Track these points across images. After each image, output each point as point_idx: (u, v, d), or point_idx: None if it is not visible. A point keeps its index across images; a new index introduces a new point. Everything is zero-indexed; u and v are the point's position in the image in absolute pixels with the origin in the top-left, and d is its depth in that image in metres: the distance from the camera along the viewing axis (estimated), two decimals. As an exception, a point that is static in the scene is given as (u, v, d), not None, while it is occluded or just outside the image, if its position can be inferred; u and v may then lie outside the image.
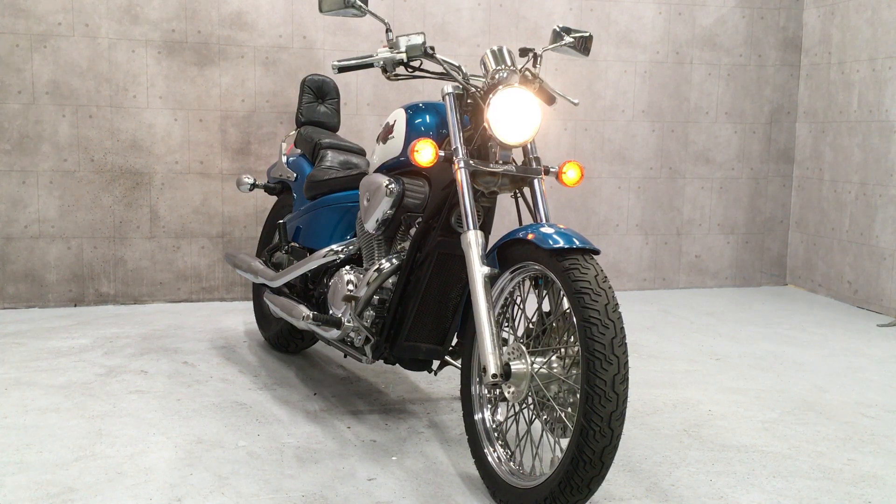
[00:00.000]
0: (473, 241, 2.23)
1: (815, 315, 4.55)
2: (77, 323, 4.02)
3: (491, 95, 2.32)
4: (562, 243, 2.03)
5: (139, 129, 4.39)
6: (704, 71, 5.13)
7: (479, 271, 2.18)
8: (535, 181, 2.44)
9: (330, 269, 2.99)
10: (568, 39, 2.79)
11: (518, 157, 2.51)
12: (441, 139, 2.53)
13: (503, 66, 2.41)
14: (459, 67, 2.55)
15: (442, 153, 2.34)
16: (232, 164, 4.52)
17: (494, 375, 2.03)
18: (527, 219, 2.53)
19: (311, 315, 2.69)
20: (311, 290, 3.11)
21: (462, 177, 2.31)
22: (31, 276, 4.35)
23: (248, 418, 2.75)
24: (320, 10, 2.59)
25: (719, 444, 2.64)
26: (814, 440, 2.69)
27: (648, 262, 5.20)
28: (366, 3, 2.61)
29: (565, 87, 4.91)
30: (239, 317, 4.15)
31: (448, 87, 2.46)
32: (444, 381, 3.18)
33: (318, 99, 3.65)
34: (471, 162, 2.34)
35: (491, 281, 2.23)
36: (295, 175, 3.43)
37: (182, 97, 4.42)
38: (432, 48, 2.53)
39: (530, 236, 2.13)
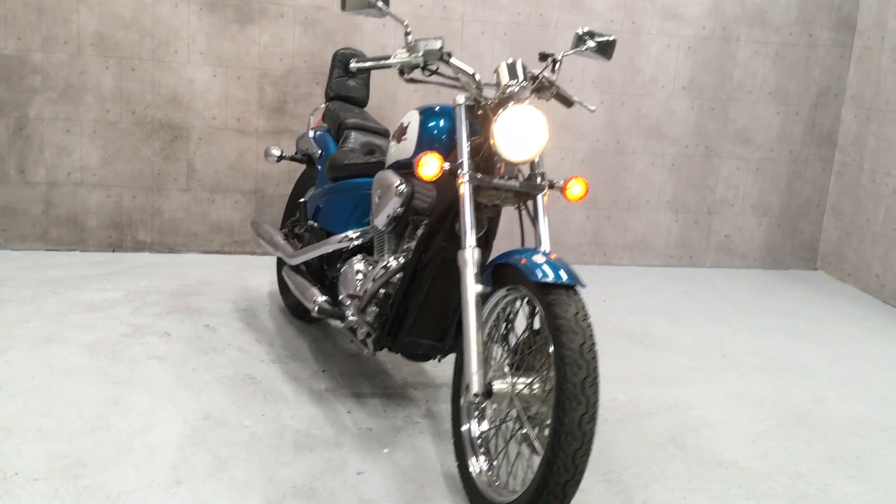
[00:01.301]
0: (469, 259, 2.30)
1: (838, 308, 4.53)
2: (112, 272, 4.22)
3: (499, 111, 2.36)
4: (549, 278, 2.09)
5: (179, 83, 4.49)
6: (751, 49, 5.00)
7: (471, 289, 2.26)
8: (539, 197, 2.48)
9: (344, 254, 3.09)
10: (590, 44, 2.79)
11: (526, 168, 2.56)
12: (451, 146, 2.57)
13: (514, 82, 2.43)
14: (473, 76, 2.57)
15: (447, 165, 2.40)
16: (267, 123, 4.61)
17: (476, 395, 2.13)
18: (529, 233, 2.57)
19: (317, 306, 2.81)
20: (327, 271, 3.22)
21: (465, 192, 2.36)
22: (74, 221, 4.55)
23: (256, 394, 2.91)
24: (342, 9, 2.63)
25: (703, 457, 2.72)
26: (798, 459, 2.75)
27: (676, 240, 5.20)
28: (387, 4, 2.64)
29: (605, 63, 4.84)
30: (265, 275, 4.30)
31: (460, 97, 2.49)
32: (449, 365, 3.29)
33: (349, 73, 3.69)
34: (476, 176, 2.39)
35: (484, 298, 2.31)
36: (319, 151, 3.51)
37: (222, 54, 4.49)
38: (449, 54, 2.56)
39: (522, 262, 2.19)
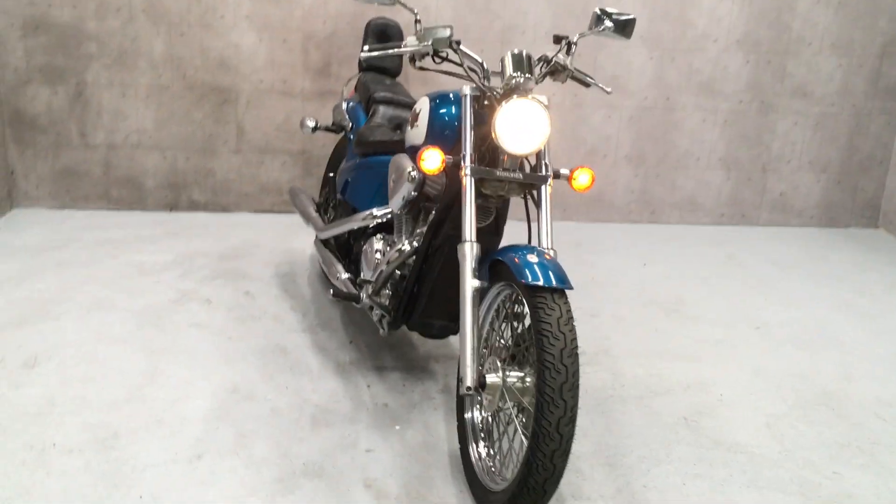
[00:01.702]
0: (468, 254, 2.35)
1: (892, 273, 4.40)
2: (167, 233, 4.43)
3: (502, 103, 2.37)
4: (538, 281, 2.12)
5: (226, 48, 4.59)
6: (812, -2, 4.78)
7: (469, 284, 2.32)
8: (543, 187, 2.49)
9: (368, 231, 3.18)
10: (608, 24, 2.75)
11: (533, 157, 2.57)
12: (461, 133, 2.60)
13: (518, 73, 2.43)
14: (482, 64, 2.58)
15: (450, 158, 2.43)
16: (313, 84, 4.68)
17: (468, 388, 2.21)
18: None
19: (332, 289, 2.92)
20: (353, 245, 3.32)
21: (467, 185, 2.40)
22: (132, 182, 4.76)
23: (283, 366, 3.06)
24: (353, -1, 2.66)
25: (713, 439, 2.75)
26: (810, 445, 2.75)
27: (728, 198, 5.09)
28: (397, -6, 2.65)
29: (654, 16, 4.71)
30: (309, 236, 4.44)
31: (466, 88, 2.51)
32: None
33: (381, 43, 3.71)
34: (478, 168, 2.42)
35: (482, 291, 2.36)
36: (350, 124, 3.57)
37: (267, 18, 4.56)
38: (458, 42, 2.58)
39: (515, 260, 2.23)
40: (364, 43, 3.72)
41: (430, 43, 2.58)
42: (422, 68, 2.65)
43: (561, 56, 2.67)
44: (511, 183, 2.48)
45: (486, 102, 2.52)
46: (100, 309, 3.45)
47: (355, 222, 3.14)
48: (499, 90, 2.48)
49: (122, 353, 3.10)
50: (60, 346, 3.11)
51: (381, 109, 3.42)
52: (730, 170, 5.04)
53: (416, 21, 2.65)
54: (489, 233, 2.63)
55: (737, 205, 5.11)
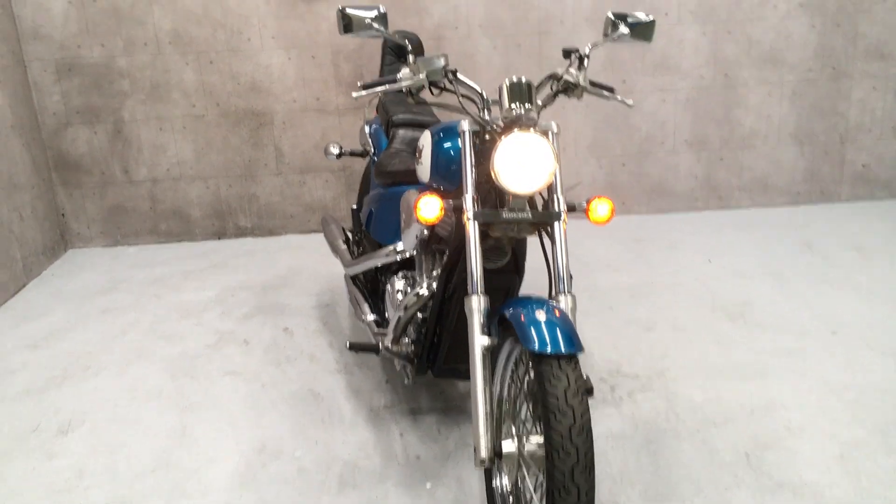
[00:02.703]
0: (476, 308, 2.15)
1: None
2: (212, 265, 4.38)
3: (501, 139, 2.16)
4: (547, 348, 1.90)
5: (256, 70, 4.48)
6: (883, -52, 4.30)
7: (478, 342, 2.12)
8: (556, 224, 2.26)
9: (393, 266, 3.01)
10: (622, 31, 2.48)
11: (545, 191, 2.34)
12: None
13: (517, 105, 2.20)
14: (481, 94, 2.36)
15: (449, 203, 2.23)
16: (347, 99, 4.53)
17: (482, 461, 2.02)
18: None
19: (348, 342, 2.75)
20: (381, 281, 3.15)
21: (470, 231, 2.20)
22: (179, 214, 4.73)
23: (315, 416, 2.94)
24: (341, 33, 2.48)
25: (776, 480, 2.47)
26: (891, 481, 2.44)
27: (804, 175, 4.69)
28: (386, 27, 2.46)
29: (703, -13, 4.34)
30: (355, 258, 4.32)
31: (465, 123, 2.30)
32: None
33: (401, 59, 3.51)
34: (481, 212, 2.21)
35: (494, 350, 2.16)
36: (372, 149, 3.39)
37: (293, 35, 4.42)
38: (454, 72, 2.36)
39: (521, 318, 2.02)
40: (382, 61, 3.53)
41: (423, 75, 2.38)
42: (419, 102, 2.46)
43: (572, 72, 2.42)
44: (521, 223, 2.26)
45: (486, 137, 2.30)
46: (138, 359, 3.41)
47: (379, 258, 2.97)
48: (499, 123, 2.25)
49: (155, 410, 3.04)
50: (96, 407, 3.08)
51: (401, 133, 3.22)
52: (803, 145, 4.63)
53: (409, 52, 2.44)
54: (507, 273, 2.42)
55: (814, 181, 4.70)
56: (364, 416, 2.93)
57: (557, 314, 2.03)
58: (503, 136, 2.15)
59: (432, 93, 2.45)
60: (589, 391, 2.52)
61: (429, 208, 2.21)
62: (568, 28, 4.40)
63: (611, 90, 2.50)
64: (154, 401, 3.10)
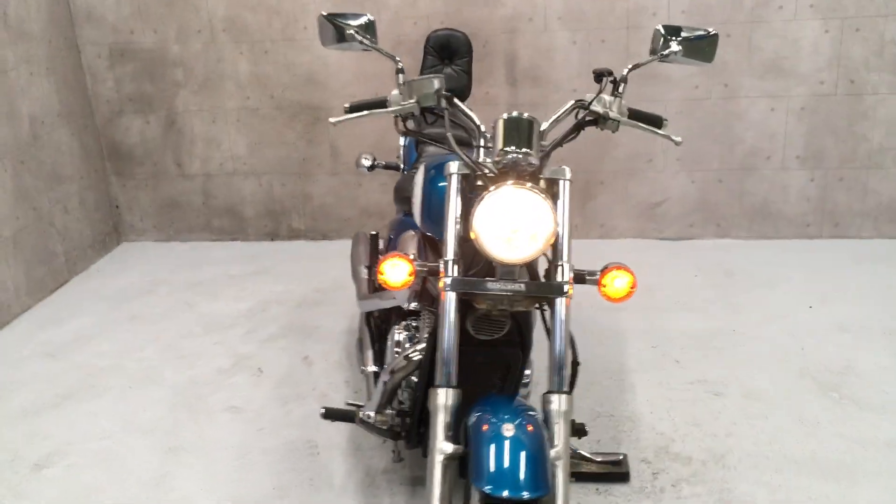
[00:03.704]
0: (441, 405, 1.71)
1: None
2: (257, 271, 4.11)
3: (486, 191, 1.70)
4: (503, 491, 1.45)
5: (313, 62, 4.13)
6: None
7: (438, 450, 1.68)
8: (559, 301, 1.78)
9: (403, 311, 2.58)
10: (674, 48, 1.95)
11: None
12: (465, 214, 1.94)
13: (512, 148, 1.72)
14: (479, 127, 1.90)
15: (422, 266, 1.79)
16: (409, 95, 4.11)
17: None
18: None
19: (323, 408, 2.33)
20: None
21: (447, 304, 1.75)
22: (232, 211, 4.48)
23: (304, 476, 2.57)
24: (323, 45, 2.08)
25: None
26: None
27: (816, 203, 3.95)
28: (374, 38, 2.05)
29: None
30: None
31: (454, 165, 1.84)
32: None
33: (444, 59, 3.06)
34: (461, 279, 1.76)
35: (462, 458, 1.71)
36: (402, 165, 2.97)
37: (352, 24, 4.03)
38: (449, 96, 1.91)
39: (483, 430, 1.56)
40: (423, 62, 3.09)
41: (414, 100, 1.94)
42: (408, 132, 2.02)
43: (605, 98, 1.92)
44: (513, 295, 1.79)
45: (479, 182, 1.83)
46: (145, 383, 3.16)
47: (386, 301, 2.56)
48: (487, 167, 1.79)
49: (142, 448, 2.76)
50: (84, 438, 2.83)
51: (431, 150, 2.78)
52: (813, 169, 3.88)
53: (398, 72, 2.00)
54: (506, 346, 1.96)
55: (826, 212, 3.94)
56: (357, 482, 2.54)
57: (530, 429, 1.57)
58: (491, 188, 1.69)
59: (427, 121, 2.01)
60: (579, 432, 2.10)
61: (394, 273, 1.79)
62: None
63: (657, 122, 1.97)
64: (145, 437, 2.83)
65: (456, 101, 1.94)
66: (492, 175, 1.78)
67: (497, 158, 1.75)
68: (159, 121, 4.34)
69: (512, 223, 1.67)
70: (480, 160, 1.85)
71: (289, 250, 4.36)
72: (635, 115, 1.96)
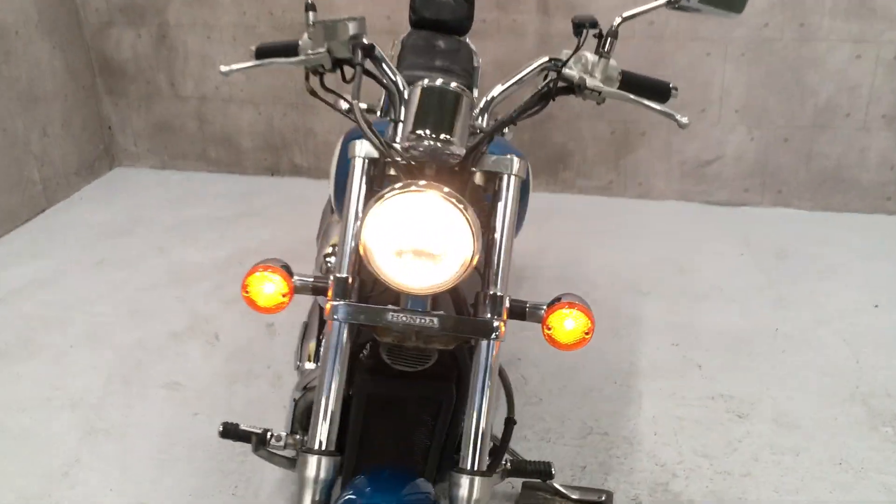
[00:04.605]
0: (310, 477, 1.27)
1: None
2: (246, 213, 3.72)
3: (383, 192, 1.20)
4: None
5: (316, -25, 3.59)
6: None
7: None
8: (484, 344, 1.28)
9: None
10: (689, -2, 1.39)
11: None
12: None
13: (427, 132, 1.22)
14: (402, 92, 1.39)
15: (303, 281, 1.33)
16: (424, 20, 3.55)
17: None
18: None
19: (222, 425, 1.87)
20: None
21: (333, 341, 1.28)
22: (229, 141, 4.05)
23: (228, 482, 2.18)
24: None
25: None
26: None
27: None
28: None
29: None
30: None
31: (360, 146, 1.34)
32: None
33: (434, 11, 2.49)
34: (354, 305, 1.28)
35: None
36: (379, 112, 2.46)
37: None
38: (369, 47, 1.40)
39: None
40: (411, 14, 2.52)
41: (324, 50, 1.44)
42: (314, 93, 1.53)
43: (588, 57, 1.39)
44: (422, 332, 1.30)
45: (391, 172, 1.33)
46: (87, 344, 2.80)
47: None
48: (395, 153, 1.29)
49: (61, 427, 2.41)
50: (3, 408, 2.50)
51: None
52: None
53: (308, 9, 1.49)
54: (434, 380, 1.47)
55: None
56: (287, 499, 2.14)
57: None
58: (396, 187, 1.20)
59: (345, 79, 1.50)
60: (544, 474, 1.54)
61: (262, 291, 1.32)
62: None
63: (661, 93, 1.42)
64: (67, 412, 2.47)
65: (379, 52, 1.42)
66: (404, 164, 1.28)
67: (407, 144, 1.24)
68: (150, 34, 3.89)
69: (413, 240, 1.18)
70: (398, 140, 1.34)
71: (288, 189, 3.93)
72: (630, 82, 1.40)
